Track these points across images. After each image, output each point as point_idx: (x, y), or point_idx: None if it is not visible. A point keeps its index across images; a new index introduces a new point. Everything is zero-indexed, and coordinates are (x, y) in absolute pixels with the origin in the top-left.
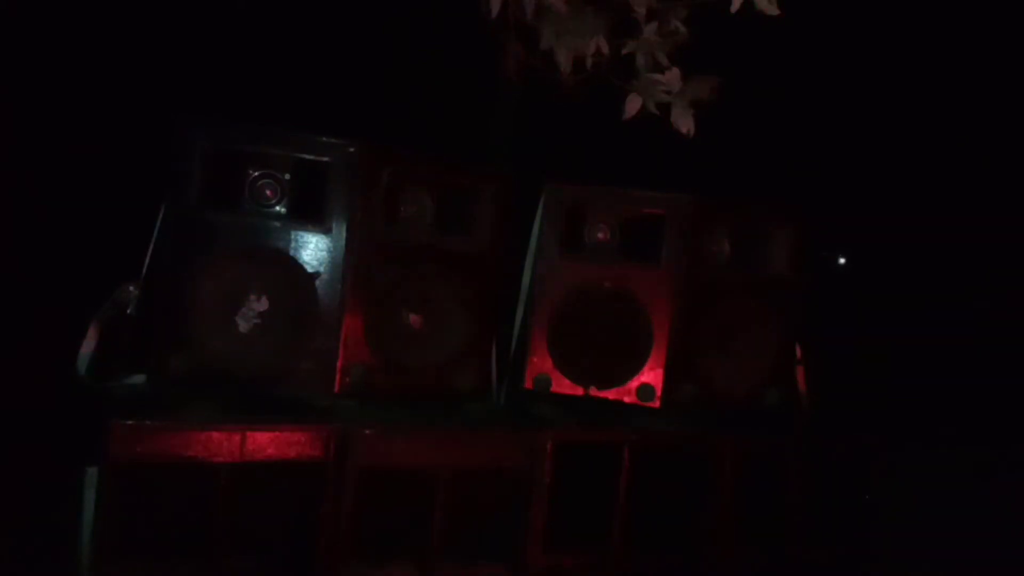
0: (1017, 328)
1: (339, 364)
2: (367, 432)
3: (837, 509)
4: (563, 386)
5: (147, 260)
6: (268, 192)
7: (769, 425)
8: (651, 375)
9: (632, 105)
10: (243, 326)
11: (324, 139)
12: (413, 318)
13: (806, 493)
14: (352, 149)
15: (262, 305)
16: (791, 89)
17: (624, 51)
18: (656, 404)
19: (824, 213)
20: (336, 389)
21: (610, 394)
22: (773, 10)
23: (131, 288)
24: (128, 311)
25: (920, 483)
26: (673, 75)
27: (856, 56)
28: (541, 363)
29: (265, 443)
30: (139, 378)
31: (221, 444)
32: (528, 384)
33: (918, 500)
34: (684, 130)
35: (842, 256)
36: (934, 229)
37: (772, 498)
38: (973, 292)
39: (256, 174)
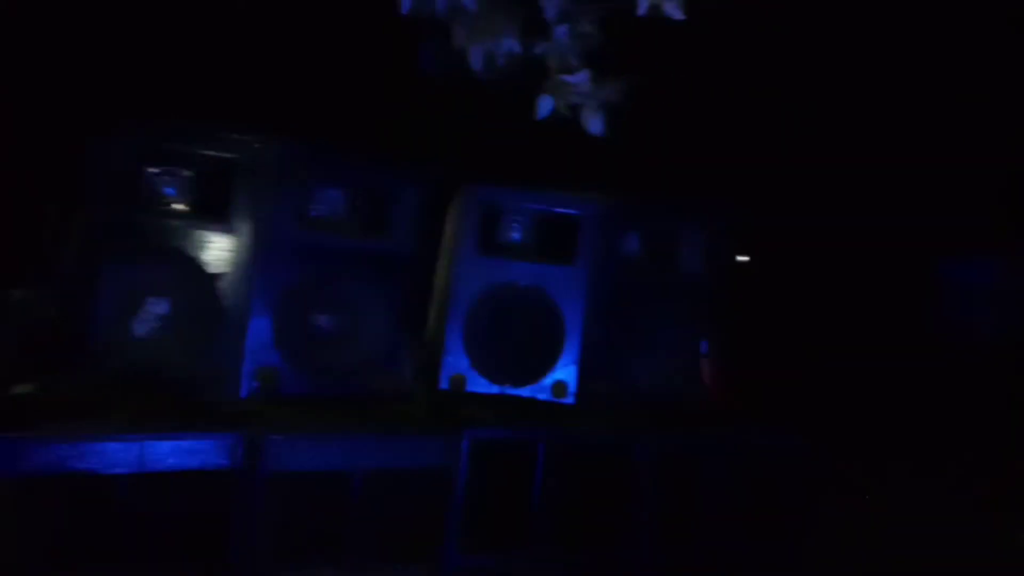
0: (920, 330)
1: (246, 368)
2: (276, 438)
3: (749, 504)
4: (479, 385)
5: (38, 264)
6: (169, 190)
7: (680, 420)
8: (565, 372)
9: (544, 106)
10: (141, 330)
11: (229, 134)
12: (325, 319)
13: (718, 488)
14: (259, 145)
15: (161, 308)
16: (702, 91)
17: (536, 52)
18: (570, 400)
19: (734, 213)
20: (244, 394)
21: (525, 392)
22: (678, 15)
23: (20, 294)
24: (17, 318)
25: (831, 478)
26: (584, 76)
27: (765, 58)
28: (457, 363)
29: (166, 452)
30: (28, 387)
31: (118, 455)
32: (444, 384)
33: (830, 495)
34: (595, 131)
35: (749, 255)
36: (843, 230)
37: (686, 493)
38: (882, 291)
39: (156, 171)
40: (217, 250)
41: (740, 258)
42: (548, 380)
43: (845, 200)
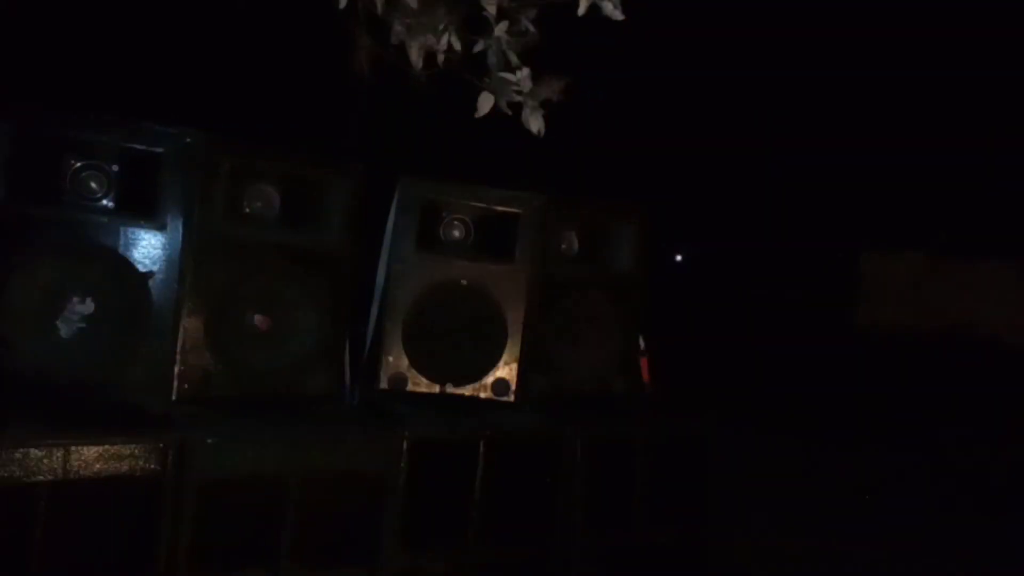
0: (840, 325)
1: (176, 370)
2: (208, 441)
3: (681, 491)
4: (419, 384)
5: None
6: (92, 184)
7: (616, 413)
8: (506, 370)
9: (484, 103)
10: (65, 330)
11: (156, 127)
12: (258, 319)
13: (651, 477)
14: (188, 138)
15: (87, 307)
16: (637, 91)
17: (475, 49)
18: (511, 398)
19: (665, 211)
20: (174, 396)
21: (466, 390)
22: (617, 15)
23: None
24: None
25: (753, 464)
26: (524, 75)
27: (700, 60)
28: (397, 362)
29: (92, 458)
30: None
31: (40, 462)
32: (384, 384)
33: (752, 481)
34: (534, 129)
35: (679, 253)
36: (770, 228)
37: (621, 484)
38: (802, 288)
39: (78, 164)
40: (145, 247)
41: (676, 256)
42: (489, 378)
43: (779, 197)
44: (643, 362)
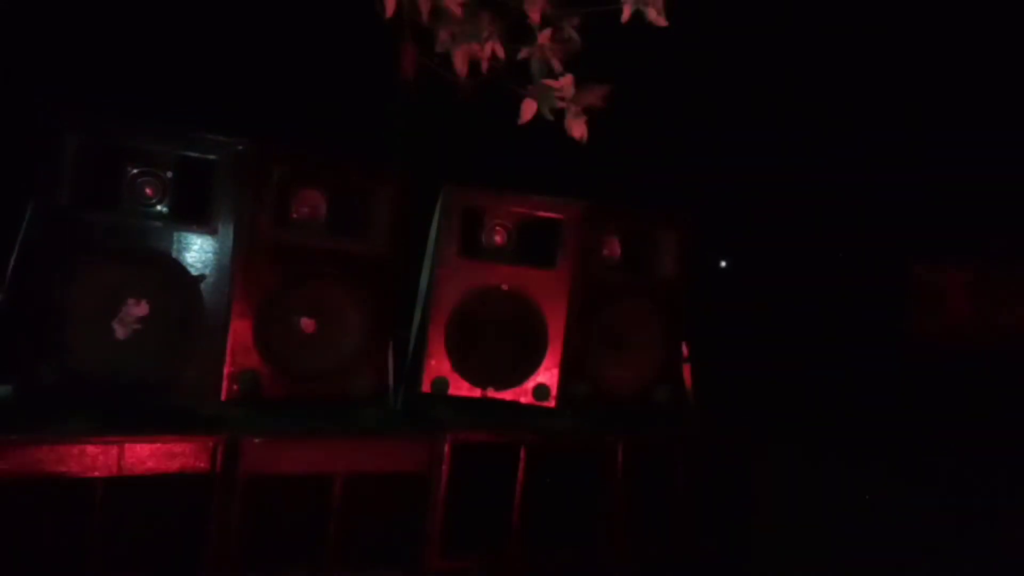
0: (888, 334)
1: (226, 371)
2: (256, 441)
3: (722, 500)
4: (461, 388)
5: (12, 261)
6: (148, 190)
7: (658, 421)
8: (547, 375)
9: (527, 110)
10: (121, 332)
11: (210, 136)
12: (305, 322)
13: (693, 486)
14: (240, 147)
15: (142, 310)
16: (680, 97)
17: (519, 56)
18: (552, 404)
19: (708, 218)
20: (223, 397)
21: (507, 395)
22: (661, 22)
23: None
24: None
25: (797, 476)
26: (566, 82)
27: (741, 67)
28: (439, 366)
29: (145, 455)
30: (3, 390)
31: (97, 458)
32: (426, 387)
33: (795, 492)
34: (577, 136)
35: (724, 260)
36: (816, 234)
37: (662, 492)
38: (848, 295)
39: (135, 171)
40: (198, 251)
41: (721, 263)
42: (530, 383)
43: (822, 205)
44: (686, 370)
